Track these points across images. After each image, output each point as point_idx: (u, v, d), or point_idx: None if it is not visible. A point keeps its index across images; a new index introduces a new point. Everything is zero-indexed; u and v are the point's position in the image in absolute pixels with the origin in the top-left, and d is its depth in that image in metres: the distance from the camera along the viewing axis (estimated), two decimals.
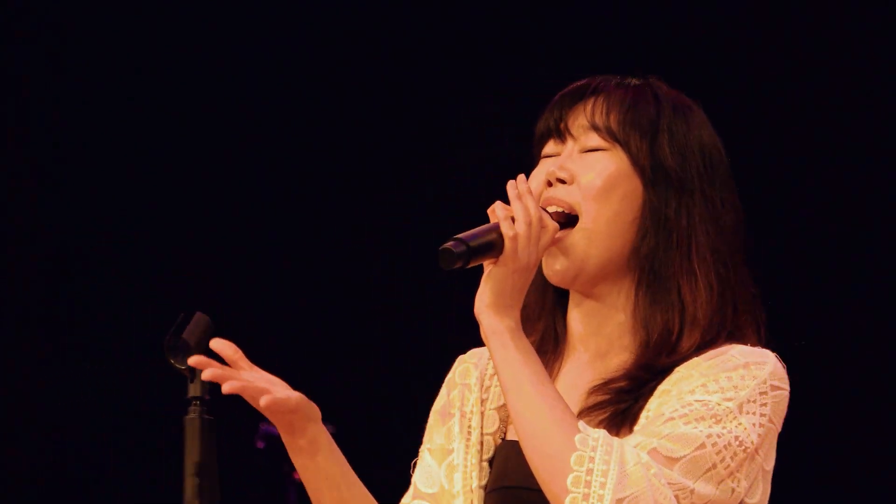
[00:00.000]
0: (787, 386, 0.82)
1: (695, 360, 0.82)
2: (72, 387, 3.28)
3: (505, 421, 0.92)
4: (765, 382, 0.79)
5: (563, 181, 0.87)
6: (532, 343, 0.90)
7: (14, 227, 3.29)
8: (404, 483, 0.98)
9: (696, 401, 0.77)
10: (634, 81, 0.92)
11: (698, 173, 0.87)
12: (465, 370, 0.98)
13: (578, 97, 0.90)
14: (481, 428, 0.93)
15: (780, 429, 0.82)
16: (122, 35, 3.30)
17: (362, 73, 3.25)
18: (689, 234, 0.85)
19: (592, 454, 0.73)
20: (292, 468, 2.36)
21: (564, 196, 0.87)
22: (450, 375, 0.99)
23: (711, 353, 0.82)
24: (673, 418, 0.76)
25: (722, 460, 0.75)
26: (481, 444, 0.92)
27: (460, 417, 0.94)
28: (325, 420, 0.95)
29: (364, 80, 3.24)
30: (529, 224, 0.79)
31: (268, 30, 3.29)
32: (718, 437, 0.75)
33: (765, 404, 0.78)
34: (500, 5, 3.19)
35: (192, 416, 0.79)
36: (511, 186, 0.82)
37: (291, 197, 3.31)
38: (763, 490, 0.82)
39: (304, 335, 3.24)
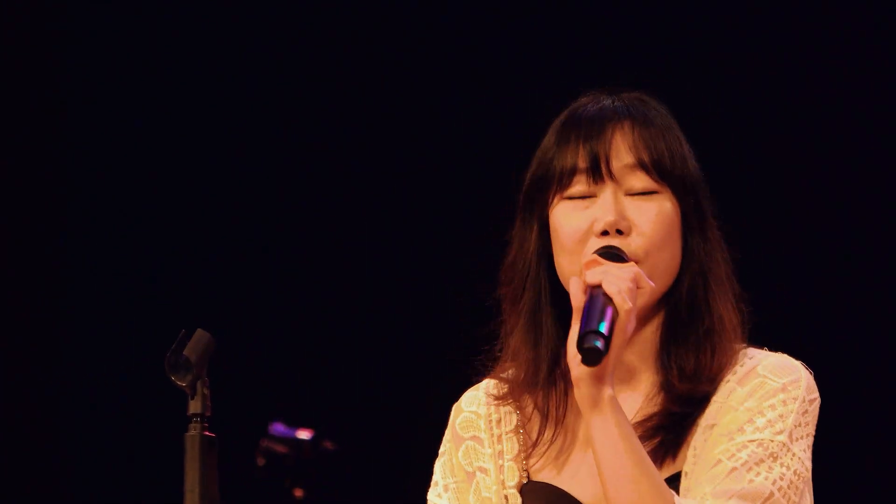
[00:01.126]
0: (817, 392, 0.83)
1: (728, 385, 0.82)
2: (72, 399, 3.29)
3: (525, 469, 0.89)
4: (804, 401, 0.80)
5: (621, 232, 0.83)
6: (525, 371, 0.89)
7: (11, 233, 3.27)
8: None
9: (750, 441, 0.77)
10: (643, 99, 0.89)
11: (707, 200, 0.87)
12: (468, 422, 0.95)
13: (605, 125, 0.86)
14: (503, 482, 0.90)
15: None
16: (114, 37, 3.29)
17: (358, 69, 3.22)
18: (713, 265, 0.85)
19: None
20: (293, 484, 2.35)
21: (624, 247, 0.82)
22: (451, 429, 0.96)
23: (739, 371, 0.83)
24: (736, 468, 0.76)
25: (788, 500, 0.77)
26: (506, 497, 0.90)
27: (482, 475, 0.91)
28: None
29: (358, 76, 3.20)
30: (630, 291, 0.76)
31: (263, 31, 3.28)
32: (781, 478, 0.77)
33: (808, 423, 0.80)
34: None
35: (193, 433, 0.79)
36: (591, 265, 0.78)
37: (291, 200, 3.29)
38: (810, 496, 0.83)
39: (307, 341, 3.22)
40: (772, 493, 0.76)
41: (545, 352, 0.87)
